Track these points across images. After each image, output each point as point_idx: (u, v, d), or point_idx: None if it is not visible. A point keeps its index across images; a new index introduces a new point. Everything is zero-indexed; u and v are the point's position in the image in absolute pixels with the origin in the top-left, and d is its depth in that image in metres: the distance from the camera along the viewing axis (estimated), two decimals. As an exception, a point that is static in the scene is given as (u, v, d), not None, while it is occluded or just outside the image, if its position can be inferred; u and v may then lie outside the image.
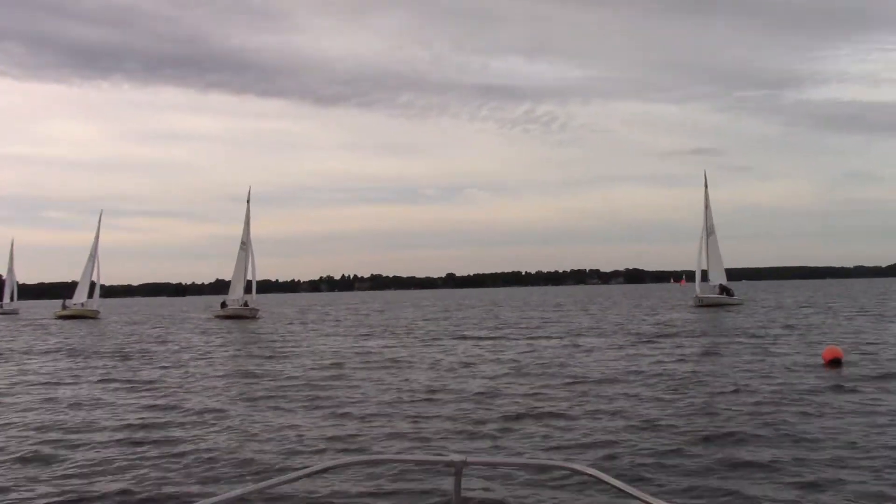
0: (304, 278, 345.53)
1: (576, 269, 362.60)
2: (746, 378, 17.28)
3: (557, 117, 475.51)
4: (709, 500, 8.00)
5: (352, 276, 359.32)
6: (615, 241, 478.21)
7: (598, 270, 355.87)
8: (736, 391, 15.35)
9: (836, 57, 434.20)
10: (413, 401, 15.23)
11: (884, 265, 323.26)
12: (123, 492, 8.83)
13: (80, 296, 66.77)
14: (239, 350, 29.78)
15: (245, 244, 62.25)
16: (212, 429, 12.66)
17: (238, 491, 2.76)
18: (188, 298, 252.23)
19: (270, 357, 25.97)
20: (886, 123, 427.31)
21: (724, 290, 61.60)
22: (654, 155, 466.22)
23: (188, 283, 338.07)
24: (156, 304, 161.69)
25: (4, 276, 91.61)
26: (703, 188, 64.20)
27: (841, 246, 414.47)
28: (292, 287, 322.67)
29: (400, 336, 35.54)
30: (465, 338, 33.24)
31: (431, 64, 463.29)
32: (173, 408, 15.09)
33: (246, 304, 59.86)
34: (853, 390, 15.08)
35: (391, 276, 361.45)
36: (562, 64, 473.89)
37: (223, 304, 61.87)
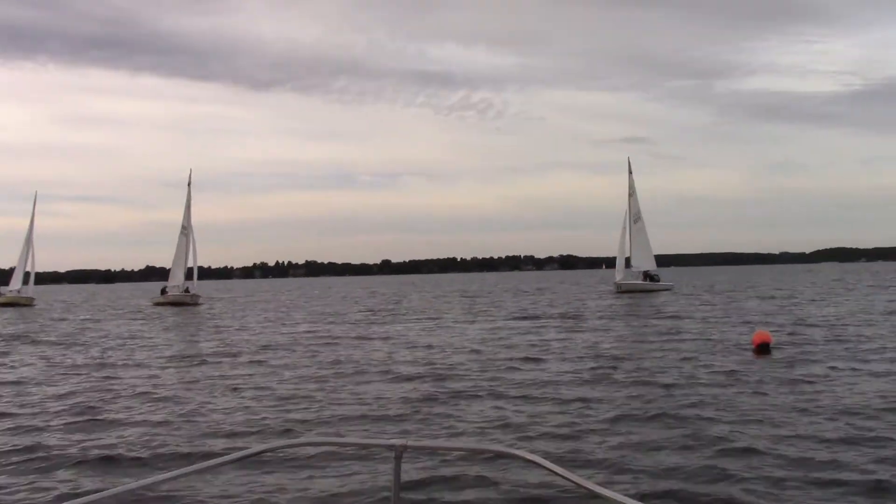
0: (237, 265, 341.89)
1: (511, 255, 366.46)
2: (673, 361, 17.82)
3: (493, 104, 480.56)
4: (646, 483, 8.16)
5: (286, 263, 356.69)
6: (549, 227, 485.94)
7: (532, 257, 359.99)
8: (663, 373, 15.83)
9: (765, 48, 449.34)
10: (358, 384, 15.64)
11: (808, 251, 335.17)
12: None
13: (16, 283, 65.32)
14: (181, 336, 30.26)
15: (186, 229, 60.90)
16: (151, 412, 12.87)
17: (172, 473, 2.80)
18: (118, 285, 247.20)
19: (212, 342, 26.50)
20: (813, 114, 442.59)
21: (648, 276, 62.22)
22: (588, 143, 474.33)
23: (117, 269, 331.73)
24: (88, 290, 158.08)
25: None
26: (628, 175, 64.35)
27: (768, 233, 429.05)
28: (225, 274, 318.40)
29: (344, 321, 36.35)
30: (405, 321, 34.32)
31: (367, 49, 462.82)
32: (114, 391, 15.37)
33: (187, 291, 58.78)
34: (780, 372, 15.54)
35: (326, 262, 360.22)
36: (498, 51, 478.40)
37: (163, 291, 60.84)
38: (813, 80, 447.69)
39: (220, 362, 20.13)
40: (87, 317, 46.99)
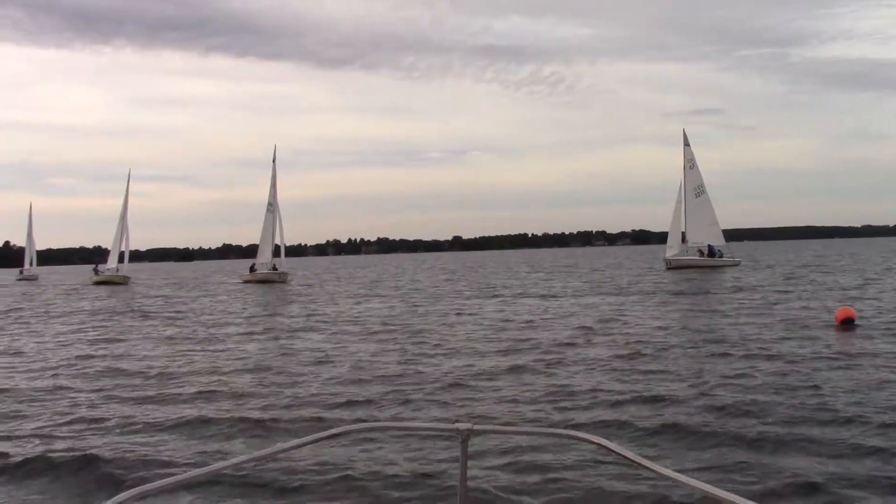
0: (310, 242, 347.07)
1: (582, 230, 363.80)
2: (748, 339, 17.38)
3: (564, 78, 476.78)
4: (716, 468, 7.98)
5: (358, 240, 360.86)
6: (621, 202, 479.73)
7: (604, 232, 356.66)
8: (737, 352, 15.47)
9: (843, 14, 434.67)
10: (442, 358, 16.31)
11: (892, 224, 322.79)
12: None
13: (112, 261, 68.05)
14: (275, 310, 32.05)
15: (272, 206, 61.02)
16: (244, 383, 13.80)
17: (244, 457, 2.86)
18: (196, 263, 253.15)
19: (306, 317, 28.12)
20: (894, 81, 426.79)
21: (709, 251, 58.44)
22: (659, 115, 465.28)
23: (195, 247, 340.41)
24: (171, 268, 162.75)
25: (23, 244, 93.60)
26: (684, 147, 61.37)
27: (848, 205, 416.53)
28: (299, 251, 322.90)
29: (424, 297, 37.86)
30: (480, 298, 35.49)
31: (434, 24, 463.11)
32: (218, 363, 16.69)
33: (275, 268, 59.13)
34: (865, 349, 15.20)
35: (398, 239, 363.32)
36: (567, 23, 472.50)
37: (252, 268, 61.40)
38: (895, 45, 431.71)
39: (312, 337, 21.52)
40: (184, 294, 49.40)
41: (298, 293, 45.65)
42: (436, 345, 18.53)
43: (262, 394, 12.90)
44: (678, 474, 2.53)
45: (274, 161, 62.26)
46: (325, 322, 25.81)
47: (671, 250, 59.96)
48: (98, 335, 23.81)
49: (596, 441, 2.76)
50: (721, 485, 2.65)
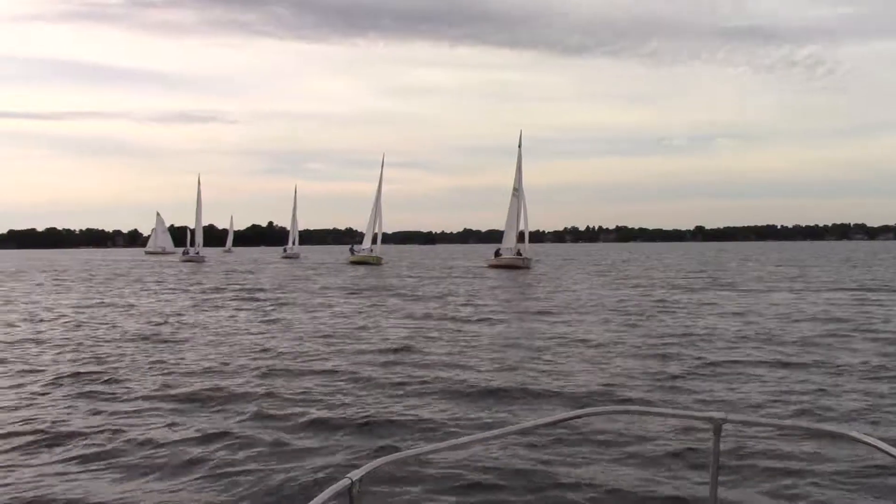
0: (547, 229, 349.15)
1: (838, 223, 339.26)
2: None
3: (823, 60, 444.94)
4: None
5: (596, 228, 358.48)
6: (886, 193, 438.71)
7: (864, 225, 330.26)
8: None
9: None
10: (672, 345, 16.37)
11: None
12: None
13: (367, 242, 73.09)
14: (513, 294, 33.14)
15: (517, 191, 61.52)
16: (480, 365, 14.26)
17: (494, 431, 2.97)
18: (438, 246, 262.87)
19: (543, 301, 28.98)
20: None
21: None
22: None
23: (437, 231, 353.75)
24: (420, 251, 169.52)
25: (283, 224, 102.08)
26: None
27: None
28: (537, 237, 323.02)
29: (666, 287, 37.53)
30: (714, 289, 34.70)
31: (679, 7, 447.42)
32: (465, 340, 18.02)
33: (519, 253, 59.39)
34: None
35: (637, 228, 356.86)
36: (827, 1, 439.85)
37: (497, 253, 62.47)
38: None
39: (559, 320, 22.26)
40: (433, 275, 52.19)
41: (541, 278, 46.69)
42: (681, 335, 18.54)
43: (512, 371, 13.59)
44: None
45: (520, 147, 63.00)
46: (567, 307, 26.44)
47: None
48: (356, 309, 26.20)
49: (865, 440, 2.59)
50: None
